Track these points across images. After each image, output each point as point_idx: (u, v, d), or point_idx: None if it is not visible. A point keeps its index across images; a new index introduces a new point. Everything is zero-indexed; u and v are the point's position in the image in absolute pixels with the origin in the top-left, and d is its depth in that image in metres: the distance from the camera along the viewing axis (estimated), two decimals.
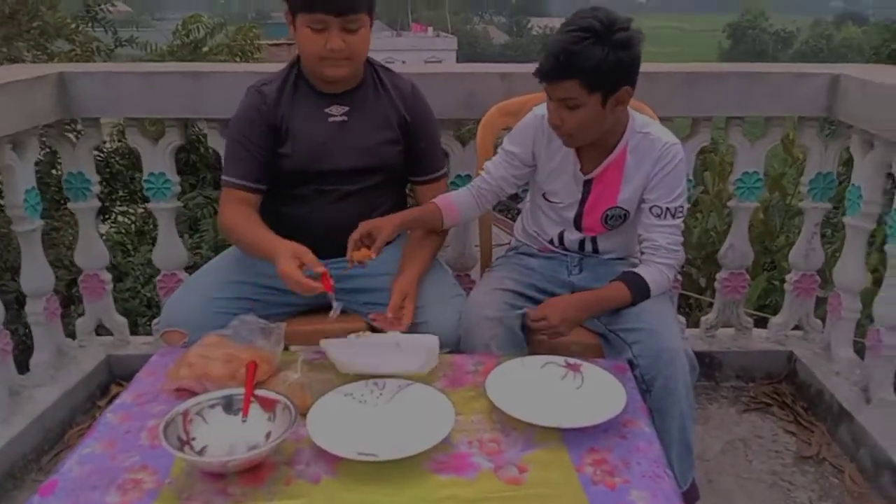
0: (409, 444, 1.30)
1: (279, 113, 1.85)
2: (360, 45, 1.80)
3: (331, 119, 1.87)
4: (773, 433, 2.40)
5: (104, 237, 5.59)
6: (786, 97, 2.35)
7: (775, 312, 4.03)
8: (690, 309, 4.00)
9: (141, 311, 4.65)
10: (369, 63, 1.93)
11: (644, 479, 1.28)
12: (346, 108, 1.88)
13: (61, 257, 4.15)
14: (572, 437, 1.37)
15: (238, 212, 1.86)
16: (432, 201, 1.93)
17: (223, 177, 1.89)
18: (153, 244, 2.61)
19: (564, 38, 1.61)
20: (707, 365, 2.60)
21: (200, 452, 1.30)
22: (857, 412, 2.25)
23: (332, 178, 1.88)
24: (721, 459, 2.25)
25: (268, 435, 1.33)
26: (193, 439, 1.32)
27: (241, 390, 1.40)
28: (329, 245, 1.85)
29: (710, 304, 3.88)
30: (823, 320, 2.65)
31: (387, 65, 1.99)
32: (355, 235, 1.72)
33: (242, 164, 1.87)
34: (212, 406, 1.37)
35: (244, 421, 1.36)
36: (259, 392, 1.40)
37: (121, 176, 6.01)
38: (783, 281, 3.99)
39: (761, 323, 2.85)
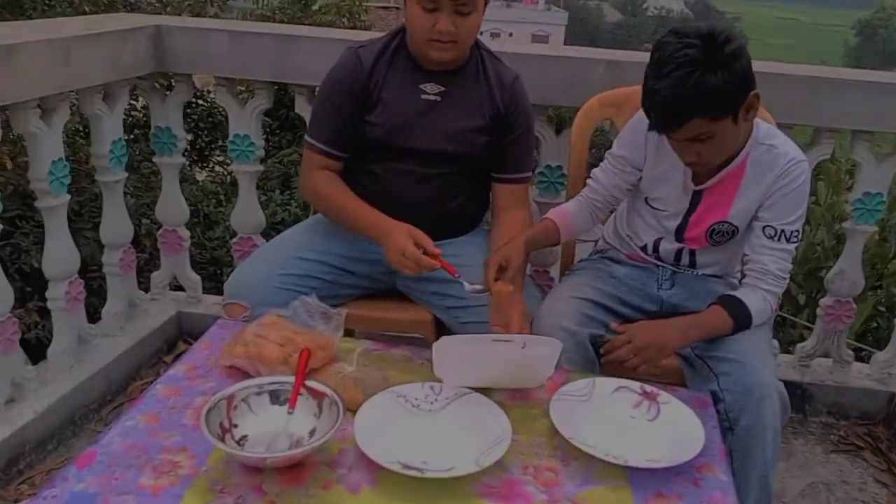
0: (459, 461, 1.21)
1: (374, 79, 1.76)
2: (470, 30, 1.68)
3: (423, 96, 1.77)
4: (862, 480, 2.19)
5: (199, 185, 5.75)
6: None
7: (878, 342, 3.76)
8: (783, 327, 3.75)
9: (226, 260, 4.72)
10: (477, 46, 1.80)
11: None
12: (442, 89, 1.77)
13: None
14: (638, 477, 1.24)
15: (330, 179, 1.80)
16: (548, 217, 1.79)
17: (307, 137, 1.82)
18: None
19: (669, 84, 1.41)
20: (797, 396, 2.40)
21: (241, 441, 1.24)
22: None
23: (411, 157, 1.78)
24: (800, 503, 2.07)
25: (312, 431, 1.26)
26: (235, 426, 1.26)
27: (291, 379, 1.33)
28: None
29: (805, 328, 3.64)
30: None
31: (493, 48, 1.86)
32: (494, 264, 1.58)
33: (329, 129, 1.80)
34: (258, 394, 1.31)
35: (290, 412, 1.29)
36: (309, 383, 1.33)
37: (221, 126, 6.12)
38: (891, 308, 3.71)
39: (861, 353, 2.62)
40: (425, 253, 1.60)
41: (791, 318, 3.57)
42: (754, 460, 1.50)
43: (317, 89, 1.91)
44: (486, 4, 1.70)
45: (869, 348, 2.95)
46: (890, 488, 2.15)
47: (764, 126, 1.64)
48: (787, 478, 2.14)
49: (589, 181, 1.83)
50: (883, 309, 3.69)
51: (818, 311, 2.44)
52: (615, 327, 1.66)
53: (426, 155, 1.78)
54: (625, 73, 2.09)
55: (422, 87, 1.77)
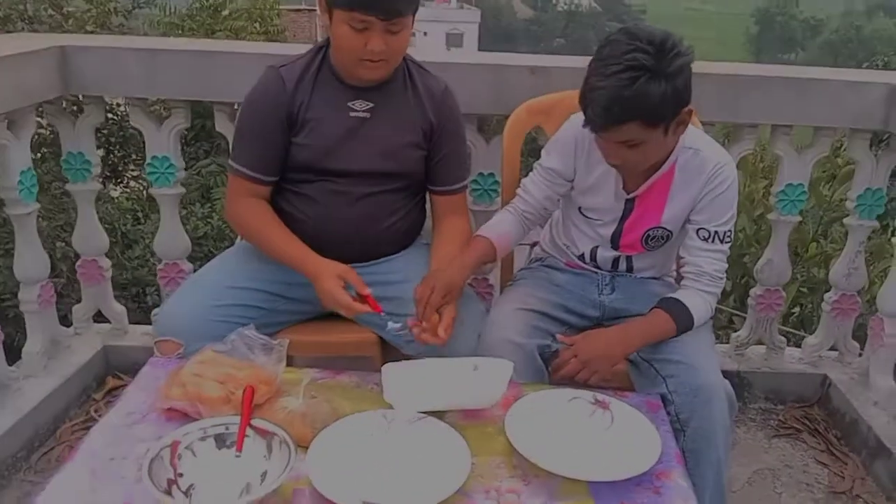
0: (420, 492, 1.18)
1: (298, 100, 1.69)
2: (401, 47, 1.64)
3: (352, 114, 1.71)
4: (804, 463, 2.26)
5: (114, 202, 5.51)
6: (840, 107, 2.17)
7: (802, 322, 3.91)
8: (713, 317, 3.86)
9: (149, 280, 4.55)
10: (403, 58, 1.75)
11: None
12: (371, 105, 1.72)
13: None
14: (601, 490, 1.24)
15: (252, 207, 1.73)
16: (484, 237, 1.75)
17: (231, 161, 1.74)
18: None
19: (613, 84, 1.40)
20: (735, 385, 2.42)
21: (188, 492, 1.18)
22: None
23: (345, 177, 1.72)
24: (748, 491, 2.12)
25: (264, 474, 1.20)
26: (181, 475, 1.19)
27: (236, 419, 1.27)
28: (334, 249, 1.72)
29: (733, 314, 3.75)
30: (862, 343, 2.50)
31: (422, 63, 1.82)
32: (434, 297, 1.54)
33: (254, 154, 1.72)
34: (202, 439, 1.24)
35: (238, 456, 1.23)
36: (255, 422, 1.27)
37: (134, 140, 5.89)
38: (812, 289, 3.86)
39: (791, 338, 2.70)
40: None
41: (719, 306, 3.67)
42: (708, 460, 1.52)
43: (237, 107, 1.83)
44: (413, 20, 1.66)
45: (796, 332, 3.06)
46: (830, 468, 2.22)
47: (690, 130, 1.66)
48: (734, 466, 2.18)
49: (519, 192, 1.81)
50: (805, 290, 3.84)
51: (749, 300, 2.50)
52: (561, 339, 1.65)
53: (360, 175, 1.72)
54: (551, 78, 2.09)
55: (350, 104, 1.71)
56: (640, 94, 1.39)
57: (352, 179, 1.72)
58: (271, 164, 1.73)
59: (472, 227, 1.87)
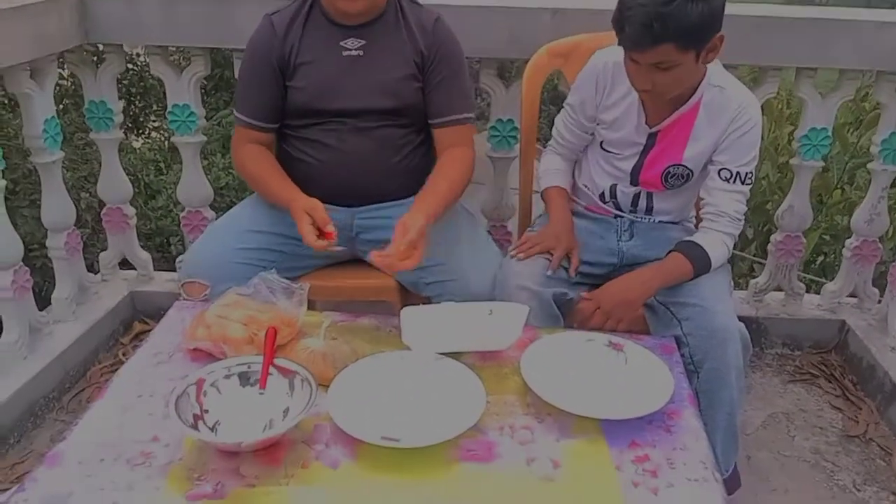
0: (436, 428, 1.21)
1: (288, 44, 1.72)
2: None
3: (345, 53, 1.73)
4: (818, 407, 2.27)
5: (136, 153, 5.54)
6: (866, 49, 2.12)
7: (823, 269, 3.88)
8: (733, 261, 3.84)
9: (172, 229, 4.61)
10: None
11: (689, 483, 1.17)
12: (363, 42, 1.73)
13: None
14: (612, 428, 1.26)
15: (252, 153, 1.78)
16: (559, 186, 1.80)
17: (235, 113, 1.80)
18: None
19: (652, 2, 1.39)
20: (753, 331, 2.41)
21: (214, 427, 1.22)
22: None
23: (344, 116, 1.74)
24: (761, 434, 2.15)
25: (286, 410, 1.25)
26: (207, 412, 1.24)
27: (259, 359, 1.31)
28: (344, 190, 1.76)
29: (754, 262, 3.73)
30: (882, 289, 2.49)
31: None
32: (559, 251, 1.68)
33: (252, 101, 1.77)
34: (227, 377, 1.28)
35: (261, 393, 1.27)
36: (278, 361, 1.31)
37: (154, 91, 5.89)
38: (835, 237, 3.82)
39: (812, 286, 2.70)
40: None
41: (740, 253, 3.66)
42: (721, 401, 1.54)
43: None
44: None
45: (819, 279, 3.05)
46: (844, 412, 2.24)
47: (714, 68, 1.65)
48: (749, 410, 2.21)
49: (554, 134, 1.83)
50: (828, 238, 3.80)
51: (769, 246, 2.49)
52: (584, 296, 1.67)
53: (358, 112, 1.73)
54: (570, 20, 2.07)
55: (342, 43, 1.73)
56: (678, 13, 1.39)
57: (352, 118, 1.74)
58: (268, 111, 1.76)
59: (474, 162, 1.82)
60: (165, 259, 4.53)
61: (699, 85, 1.61)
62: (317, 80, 1.72)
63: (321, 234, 1.59)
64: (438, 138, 1.81)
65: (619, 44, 1.51)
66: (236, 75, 2.27)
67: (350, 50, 1.72)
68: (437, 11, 1.79)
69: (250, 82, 1.77)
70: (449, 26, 1.79)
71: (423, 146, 1.83)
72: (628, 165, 1.73)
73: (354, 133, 1.74)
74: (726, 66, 1.89)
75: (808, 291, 2.56)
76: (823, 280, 3.20)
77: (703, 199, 1.68)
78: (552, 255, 1.69)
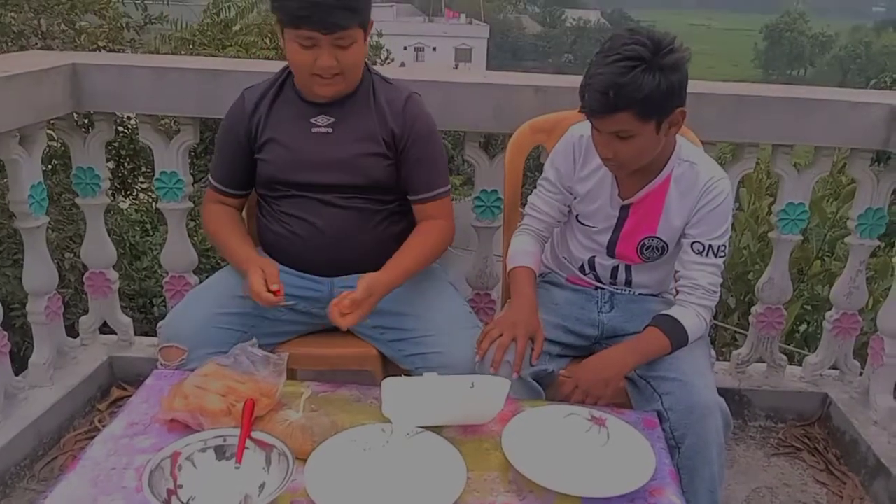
0: None
1: (256, 118, 1.78)
2: (353, 62, 1.68)
3: (314, 130, 1.76)
4: (803, 482, 2.26)
5: (123, 214, 5.54)
6: (841, 127, 2.19)
7: (805, 340, 3.91)
8: (715, 331, 3.86)
9: (156, 291, 4.58)
10: (369, 71, 1.80)
11: None
12: (332, 120, 1.76)
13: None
14: None
15: (216, 212, 1.86)
16: (526, 266, 1.78)
17: (209, 176, 1.89)
18: None
19: (611, 71, 1.46)
20: (736, 402, 2.46)
21: (188, 502, 1.20)
22: (895, 468, 2.11)
23: (314, 190, 1.77)
24: None
25: (262, 486, 1.22)
26: (181, 487, 1.21)
27: (236, 431, 1.29)
28: (319, 261, 1.79)
29: (736, 332, 3.76)
30: (863, 361, 2.50)
31: (417, 65, 1.88)
32: (520, 343, 1.60)
33: (222, 169, 1.86)
34: (202, 450, 1.26)
35: (237, 468, 1.25)
36: (255, 434, 1.29)
37: (144, 153, 5.95)
38: (816, 307, 3.86)
39: (795, 356, 2.71)
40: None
41: (722, 325, 3.68)
42: (702, 477, 1.53)
43: None
44: (367, 34, 1.70)
45: (800, 351, 3.06)
46: (829, 487, 2.23)
47: (686, 144, 1.70)
48: (732, 484, 2.19)
49: (529, 212, 1.84)
50: (809, 308, 3.85)
51: (750, 318, 2.51)
52: (562, 374, 1.67)
53: (328, 187, 1.76)
54: (553, 97, 2.12)
55: (312, 120, 1.77)
56: (634, 83, 1.45)
57: (322, 192, 1.77)
58: (234, 178, 1.85)
59: (453, 232, 1.85)
60: (148, 320, 4.50)
61: (669, 159, 1.65)
62: (284, 155, 1.76)
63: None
64: (418, 212, 1.84)
65: (581, 110, 1.56)
66: None
67: (319, 126, 1.76)
68: (409, 89, 1.81)
69: (221, 151, 1.85)
70: (421, 103, 1.81)
71: (396, 216, 1.84)
72: (604, 238, 1.76)
73: (325, 206, 1.77)
74: (704, 143, 1.95)
75: (791, 362, 2.57)
76: (806, 352, 3.23)
77: (677, 272, 1.71)
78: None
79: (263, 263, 1.67)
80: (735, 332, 3.71)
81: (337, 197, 1.76)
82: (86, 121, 2.50)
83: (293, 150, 1.76)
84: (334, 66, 1.64)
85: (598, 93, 1.48)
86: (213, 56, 6.23)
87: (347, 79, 1.70)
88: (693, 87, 2.14)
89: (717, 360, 2.61)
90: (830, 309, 2.50)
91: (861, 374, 2.50)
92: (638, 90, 1.45)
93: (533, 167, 2.82)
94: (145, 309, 4.71)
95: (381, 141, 1.76)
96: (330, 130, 1.76)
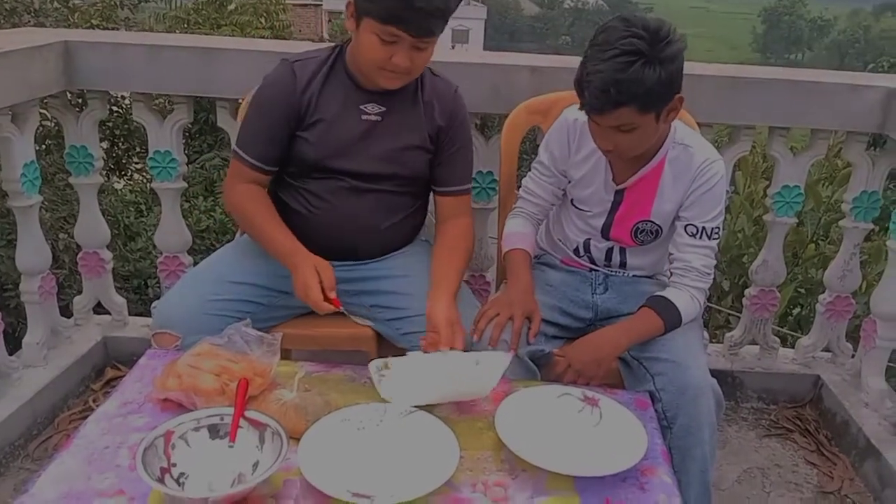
0: (408, 484, 1.19)
1: (307, 96, 1.70)
2: (424, 62, 1.67)
3: (364, 117, 1.73)
4: (794, 463, 2.27)
5: (118, 195, 5.53)
6: (838, 110, 2.19)
7: (798, 323, 3.92)
8: (709, 313, 3.87)
9: (150, 272, 4.58)
10: None
11: None
12: (383, 109, 1.73)
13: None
14: (586, 485, 1.26)
15: (254, 196, 1.75)
16: (522, 249, 1.78)
17: (236, 147, 1.76)
18: None
19: (609, 67, 1.43)
20: (728, 384, 2.47)
21: (180, 480, 1.20)
22: (885, 449, 2.13)
23: (351, 177, 1.74)
24: (737, 490, 2.14)
25: (255, 464, 1.23)
26: (174, 465, 1.21)
27: (230, 410, 1.30)
28: (334, 246, 1.76)
29: (730, 314, 3.77)
30: (855, 344, 2.51)
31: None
32: (517, 322, 1.61)
33: (261, 144, 1.74)
34: (196, 429, 1.27)
35: (231, 446, 1.26)
36: (249, 414, 1.30)
37: (138, 133, 5.92)
38: (809, 290, 3.87)
39: (788, 338, 2.72)
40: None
41: (716, 306, 3.69)
42: (693, 457, 1.54)
43: (244, 99, 1.86)
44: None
45: (793, 333, 3.07)
46: (819, 468, 2.24)
47: (680, 126, 1.69)
48: (723, 465, 2.21)
49: (522, 195, 1.84)
50: (803, 291, 3.86)
51: (744, 300, 2.52)
52: (556, 353, 1.67)
53: (366, 175, 1.74)
54: (549, 78, 2.11)
55: (362, 107, 1.72)
56: (635, 79, 1.43)
57: (356, 179, 1.74)
58: (274, 155, 1.74)
59: (474, 230, 1.88)
60: (143, 301, 4.50)
61: (664, 142, 1.65)
62: (332, 139, 1.72)
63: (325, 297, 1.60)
64: (441, 205, 1.83)
65: (581, 108, 1.54)
66: (218, 122, 2.31)
67: (369, 114, 1.73)
68: (453, 82, 1.81)
69: (260, 123, 1.74)
70: (463, 98, 1.81)
71: (416, 211, 1.86)
72: (599, 222, 1.76)
73: (352, 192, 1.75)
74: (700, 125, 1.95)
75: (783, 345, 2.58)
76: (798, 334, 3.24)
77: (671, 254, 1.71)
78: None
79: (318, 264, 1.61)
80: (729, 314, 3.72)
81: (370, 186, 1.74)
82: (79, 100, 2.48)
83: (340, 134, 1.71)
84: (409, 66, 1.61)
85: (597, 90, 1.46)
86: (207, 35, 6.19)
87: (413, 76, 1.68)
88: (690, 68, 2.13)
89: (711, 342, 2.63)
90: (824, 292, 2.51)
91: (853, 356, 2.52)
92: (639, 85, 1.43)
93: (528, 149, 2.80)
94: (140, 290, 4.72)
95: (425, 134, 1.76)
96: (379, 119, 1.73)
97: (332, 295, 1.59)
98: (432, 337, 1.55)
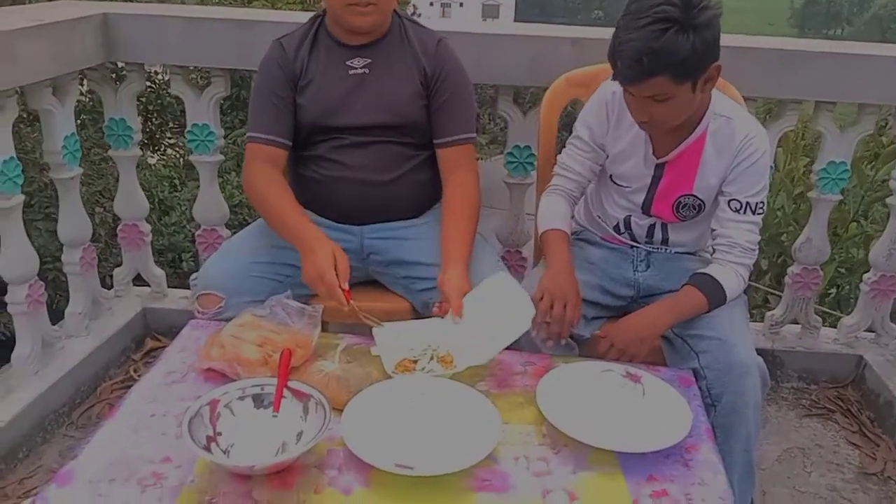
0: (450, 456, 1.19)
1: (298, 63, 1.76)
2: None
3: (351, 71, 1.76)
4: (835, 443, 2.24)
5: (152, 169, 5.57)
6: (886, 84, 2.12)
7: (838, 303, 3.85)
8: (746, 291, 3.81)
9: (185, 246, 4.63)
10: (397, 14, 1.80)
11: None
12: (368, 61, 1.76)
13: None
14: (630, 461, 1.25)
15: (270, 179, 1.74)
16: (558, 230, 1.73)
17: (248, 133, 1.79)
18: None
19: (642, 35, 1.40)
20: (769, 363, 2.40)
21: (226, 450, 1.21)
22: None
23: (350, 133, 1.76)
24: (777, 469, 2.11)
25: (299, 434, 1.24)
26: (220, 434, 1.23)
27: (273, 381, 1.30)
28: (352, 206, 1.78)
29: (768, 293, 3.71)
30: None
31: (448, 25, 1.84)
32: (557, 309, 1.56)
33: (270, 118, 1.76)
34: (241, 398, 1.28)
35: (275, 416, 1.27)
36: (292, 384, 1.30)
37: (171, 108, 5.95)
38: (850, 269, 3.79)
39: (827, 318, 2.67)
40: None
41: (754, 284, 3.63)
42: (738, 436, 1.51)
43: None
44: None
45: (836, 313, 3.02)
46: (861, 449, 2.21)
47: (720, 98, 1.64)
48: (764, 444, 2.18)
49: (559, 171, 1.80)
50: (843, 270, 3.78)
51: (786, 279, 2.47)
52: (598, 335, 1.65)
53: (364, 128, 1.76)
54: (590, 51, 2.06)
55: (348, 63, 1.76)
56: (668, 47, 1.39)
57: (357, 134, 1.76)
58: (284, 127, 1.76)
59: (479, 183, 1.82)
60: (178, 275, 4.54)
61: (704, 114, 1.61)
62: (322, 98, 1.75)
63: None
64: (442, 157, 1.82)
65: (614, 78, 1.51)
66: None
67: (356, 69, 1.76)
68: (440, 34, 1.82)
69: (265, 101, 1.76)
70: (452, 48, 1.81)
71: (426, 163, 1.84)
72: (639, 198, 1.73)
73: (358, 148, 1.77)
74: (746, 99, 1.90)
75: (822, 324, 2.53)
76: (838, 313, 3.18)
77: (714, 230, 1.67)
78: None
79: (335, 249, 1.57)
80: (767, 293, 3.66)
81: (371, 139, 1.76)
82: (113, 74, 2.49)
83: (331, 92, 1.75)
84: None
85: (630, 59, 1.42)
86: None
87: (381, 9, 1.68)
88: (736, 41, 2.10)
89: (750, 321, 2.58)
90: (867, 271, 2.45)
91: None
92: (673, 54, 1.40)
93: (561, 126, 2.78)
94: (175, 264, 4.76)
95: (416, 80, 1.76)
96: (366, 71, 1.75)
97: (345, 286, 1.54)
98: (446, 306, 1.55)
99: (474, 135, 1.85)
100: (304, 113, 1.76)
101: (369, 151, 1.77)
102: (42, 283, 2.11)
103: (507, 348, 1.49)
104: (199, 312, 1.68)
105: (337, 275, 1.53)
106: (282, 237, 1.69)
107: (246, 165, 1.79)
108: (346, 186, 1.78)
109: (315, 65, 1.76)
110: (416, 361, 1.48)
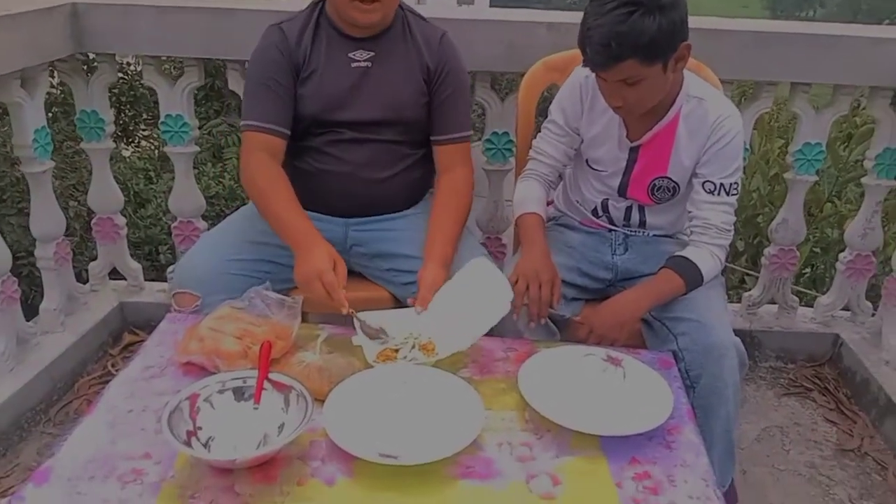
0: (434, 444, 1.19)
1: (301, 51, 1.70)
2: None
3: (354, 64, 1.72)
4: (813, 421, 2.27)
5: (126, 162, 5.50)
6: (861, 65, 2.13)
7: (814, 282, 3.89)
8: (724, 273, 3.84)
9: (161, 238, 4.58)
10: (400, 7, 1.77)
11: (690, 500, 1.15)
12: (371, 54, 1.72)
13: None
14: (612, 444, 1.25)
15: (267, 169, 1.68)
16: (534, 213, 1.73)
17: (244, 122, 1.72)
18: None
19: (608, 21, 1.40)
20: (747, 344, 2.41)
21: (207, 444, 1.20)
22: None
23: (349, 127, 1.73)
24: (756, 448, 2.14)
25: (281, 426, 1.23)
26: (200, 429, 1.21)
27: (254, 373, 1.29)
28: (340, 199, 1.77)
29: (745, 274, 3.74)
30: (875, 303, 2.49)
31: (424, 11, 1.82)
32: (543, 291, 1.57)
33: (267, 106, 1.69)
34: (221, 392, 1.26)
35: (256, 408, 1.25)
36: (273, 376, 1.29)
37: (144, 99, 5.88)
38: (825, 249, 3.84)
39: (803, 297, 2.70)
40: None
41: (731, 265, 3.66)
42: (717, 416, 1.53)
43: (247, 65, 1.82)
44: None
45: (812, 292, 3.05)
46: (839, 426, 2.24)
47: (693, 79, 1.65)
48: (743, 424, 2.20)
49: (534, 156, 1.81)
50: (818, 250, 3.82)
51: (762, 260, 2.50)
52: (577, 320, 1.65)
53: (364, 124, 1.73)
54: (566, 35, 2.05)
55: (351, 55, 1.72)
56: (635, 29, 1.39)
57: (356, 130, 1.73)
58: (283, 115, 1.71)
59: (472, 181, 1.82)
60: (155, 268, 4.50)
61: (677, 97, 1.61)
62: (325, 91, 1.71)
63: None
64: (439, 154, 1.81)
65: (584, 65, 1.50)
66: (229, 86, 2.28)
67: (359, 61, 1.72)
68: (443, 28, 1.79)
69: (263, 87, 1.70)
70: (454, 43, 1.79)
71: (421, 161, 1.83)
72: (615, 181, 1.73)
73: (354, 143, 1.74)
74: (722, 82, 1.90)
75: (799, 303, 2.56)
76: (813, 292, 3.22)
77: (690, 212, 1.68)
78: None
79: (333, 253, 1.55)
80: (745, 273, 3.69)
81: (370, 136, 1.73)
82: (85, 66, 2.45)
83: (333, 85, 1.71)
84: None
85: (599, 45, 1.42)
86: None
87: (385, 5, 1.65)
88: (711, 24, 2.11)
89: (728, 301, 2.60)
90: (842, 251, 2.48)
91: (873, 315, 2.50)
92: (640, 36, 1.40)
93: (539, 112, 2.78)
94: (151, 256, 4.71)
95: (419, 77, 1.74)
96: (369, 65, 1.72)
97: (342, 293, 1.51)
98: (421, 298, 1.55)
99: (471, 132, 1.85)
100: (304, 105, 1.71)
101: (366, 148, 1.74)
102: (15, 279, 2.08)
103: (489, 334, 1.48)
104: (175, 311, 1.66)
105: (339, 280, 1.52)
106: (276, 233, 1.64)
107: (244, 156, 1.71)
108: (339, 181, 1.75)
109: (317, 55, 1.71)
110: (397, 350, 1.47)
